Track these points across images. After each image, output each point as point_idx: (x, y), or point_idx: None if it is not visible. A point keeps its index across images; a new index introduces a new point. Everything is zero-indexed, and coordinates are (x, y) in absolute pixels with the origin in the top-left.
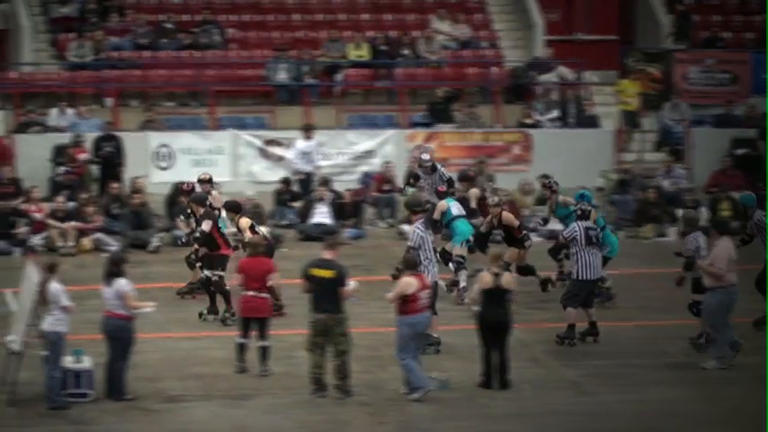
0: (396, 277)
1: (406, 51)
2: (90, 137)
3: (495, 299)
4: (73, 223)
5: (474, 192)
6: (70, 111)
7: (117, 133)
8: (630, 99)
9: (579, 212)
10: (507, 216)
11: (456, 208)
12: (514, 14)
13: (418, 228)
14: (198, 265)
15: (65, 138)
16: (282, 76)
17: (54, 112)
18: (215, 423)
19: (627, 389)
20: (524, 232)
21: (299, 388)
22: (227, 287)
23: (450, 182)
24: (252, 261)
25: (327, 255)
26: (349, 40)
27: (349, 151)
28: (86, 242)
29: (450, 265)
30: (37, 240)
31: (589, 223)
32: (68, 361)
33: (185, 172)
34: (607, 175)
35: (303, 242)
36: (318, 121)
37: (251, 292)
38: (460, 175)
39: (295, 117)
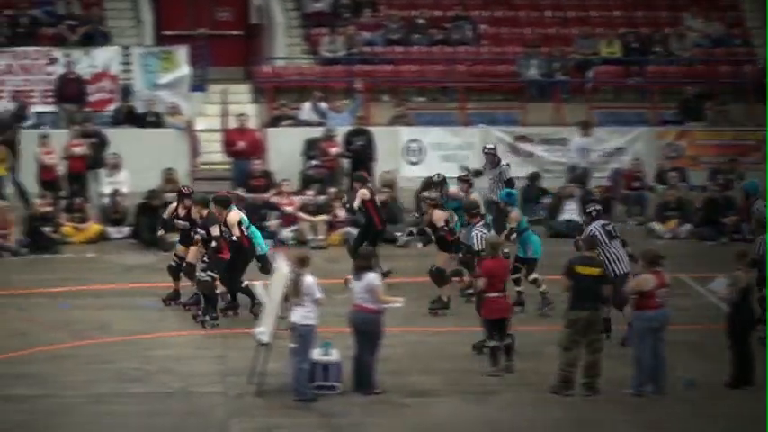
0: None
1: (657, 48)
2: (341, 131)
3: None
4: (323, 217)
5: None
6: (322, 105)
7: (368, 128)
8: None
9: (594, 213)
10: (438, 215)
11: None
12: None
13: (479, 230)
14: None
15: (316, 132)
16: (533, 72)
17: (306, 106)
18: (461, 418)
19: None
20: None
21: (541, 385)
22: (217, 291)
23: (509, 182)
24: (495, 262)
25: (590, 252)
26: (601, 37)
27: (599, 148)
28: (336, 236)
29: None
30: (287, 233)
31: (603, 221)
32: (317, 353)
33: (435, 167)
34: None
35: (552, 239)
36: (569, 118)
37: (495, 293)
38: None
39: (545, 114)
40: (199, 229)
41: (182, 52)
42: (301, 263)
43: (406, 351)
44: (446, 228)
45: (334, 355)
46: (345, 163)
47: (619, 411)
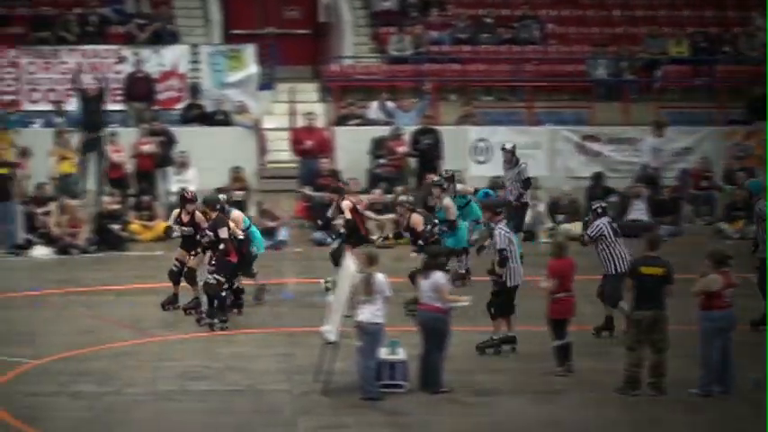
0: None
1: (726, 48)
2: (409, 130)
3: None
4: (390, 215)
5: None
6: (390, 104)
7: (435, 127)
8: None
9: (600, 210)
10: (416, 219)
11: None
12: None
13: (502, 229)
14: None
15: (384, 131)
16: (601, 72)
17: (374, 105)
18: (526, 418)
19: None
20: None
21: (605, 385)
22: (224, 294)
23: (527, 182)
24: (563, 262)
25: (653, 252)
26: (669, 37)
27: (667, 148)
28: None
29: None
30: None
31: (609, 218)
32: (383, 352)
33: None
34: None
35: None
36: (636, 118)
37: (563, 294)
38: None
39: (613, 113)
40: (207, 231)
41: (250, 51)
42: (371, 261)
43: (471, 350)
44: (428, 231)
45: (401, 354)
46: (412, 162)
47: (682, 411)
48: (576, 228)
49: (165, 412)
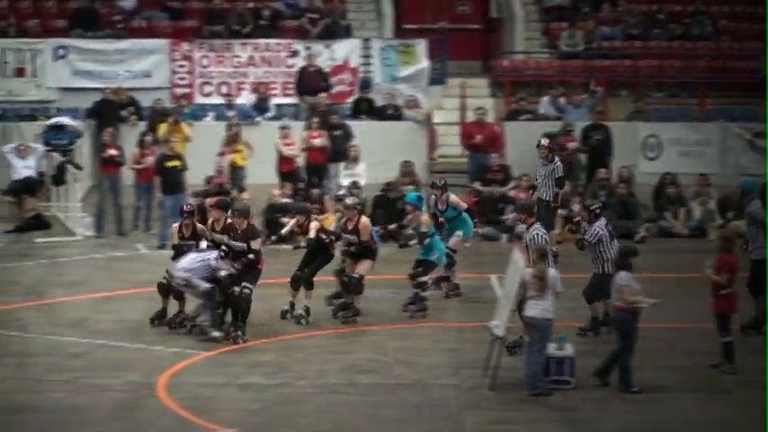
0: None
1: None
2: (579, 126)
3: None
4: (559, 211)
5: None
6: (561, 99)
7: (606, 123)
8: None
9: (598, 211)
10: (365, 223)
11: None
12: None
13: (539, 230)
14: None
15: (554, 126)
16: None
17: (544, 100)
18: (696, 415)
19: None
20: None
21: None
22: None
23: (560, 181)
24: (732, 257)
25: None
26: None
27: None
28: (570, 231)
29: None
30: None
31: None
32: (551, 348)
33: (673, 163)
34: None
35: None
36: None
37: (731, 289)
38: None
39: None
40: (236, 243)
41: (421, 46)
42: (542, 256)
43: (640, 346)
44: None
45: (569, 350)
46: (583, 158)
47: None
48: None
49: (331, 405)
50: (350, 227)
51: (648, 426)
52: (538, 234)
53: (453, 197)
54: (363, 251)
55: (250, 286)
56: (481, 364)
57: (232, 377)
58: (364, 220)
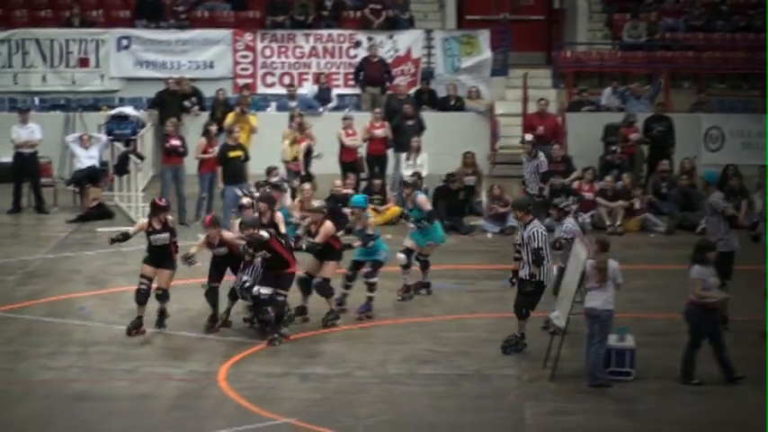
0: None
1: None
2: (641, 117)
3: None
4: (621, 202)
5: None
6: (623, 90)
7: (668, 114)
8: None
9: (567, 209)
10: (327, 227)
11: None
12: None
13: (539, 227)
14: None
15: (616, 117)
16: None
17: (607, 91)
18: (757, 408)
19: None
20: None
21: None
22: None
23: (545, 176)
24: None
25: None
26: None
27: None
28: (633, 222)
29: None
30: (585, 218)
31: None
32: (612, 339)
33: (735, 154)
34: None
35: None
36: None
37: None
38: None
39: None
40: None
41: (484, 36)
42: (604, 248)
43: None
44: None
45: (629, 341)
46: (645, 149)
47: None
48: None
49: (391, 395)
50: (314, 229)
51: (708, 418)
52: (537, 231)
53: (421, 197)
54: (327, 252)
55: (283, 292)
56: (541, 355)
57: (292, 367)
58: (327, 224)
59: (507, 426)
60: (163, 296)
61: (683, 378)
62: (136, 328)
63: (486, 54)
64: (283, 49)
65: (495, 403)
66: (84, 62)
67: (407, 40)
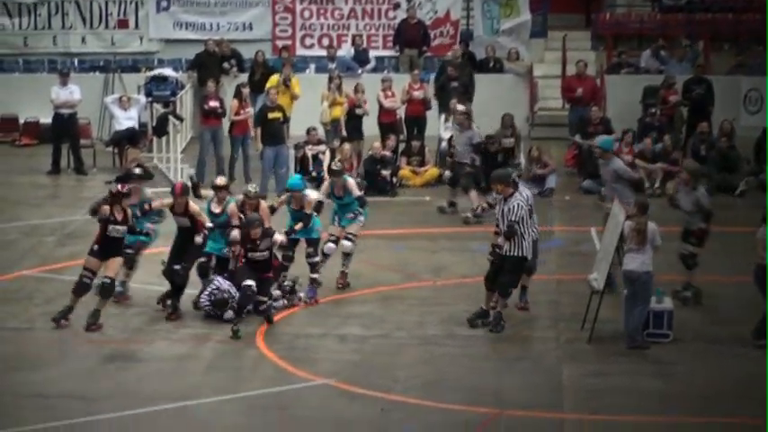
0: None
1: None
2: (681, 79)
3: None
4: (660, 164)
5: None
6: (663, 53)
7: (708, 76)
8: None
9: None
10: (263, 207)
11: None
12: None
13: (520, 201)
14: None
15: (656, 79)
16: None
17: (646, 53)
18: None
19: None
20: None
21: None
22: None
23: (477, 147)
24: None
25: None
26: None
27: None
28: (671, 184)
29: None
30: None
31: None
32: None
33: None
34: None
35: None
36: None
37: None
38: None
39: None
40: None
41: None
42: (643, 210)
43: (738, 300)
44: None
45: (667, 303)
46: (684, 111)
47: None
48: None
49: (430, 357)
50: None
51: (745, 380)
52: (518, 204)
53: (350, 181)
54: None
55: (263, 299)
56: (580, 317)
57: (330, 328)
58: (263, 205)
59: (545, 387)
60: (109, 287)
61: (754, 334)
62: (64, 315)
63: (526, 16)
64: (322, 11)
65: (533, 365)
66: (123, 23)
67: (446, 2)
